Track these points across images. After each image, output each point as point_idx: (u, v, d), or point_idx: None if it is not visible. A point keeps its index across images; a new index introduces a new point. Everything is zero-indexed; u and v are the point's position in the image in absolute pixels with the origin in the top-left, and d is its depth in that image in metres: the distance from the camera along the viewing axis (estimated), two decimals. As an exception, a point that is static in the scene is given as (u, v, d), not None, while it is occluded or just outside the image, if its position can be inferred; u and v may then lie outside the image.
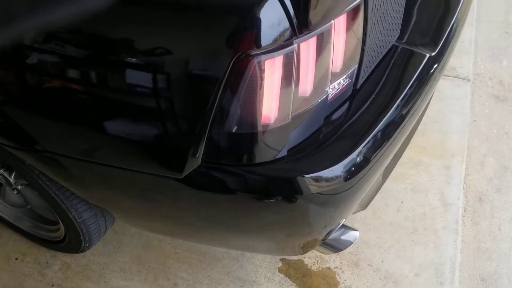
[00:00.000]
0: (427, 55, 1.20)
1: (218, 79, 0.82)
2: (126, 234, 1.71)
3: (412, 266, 1.57)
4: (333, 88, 1.00)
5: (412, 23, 1.27)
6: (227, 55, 0.80)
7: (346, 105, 1.07)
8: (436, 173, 1.82)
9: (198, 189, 1.01)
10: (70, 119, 0.97)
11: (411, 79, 1.14)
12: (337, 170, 0.98)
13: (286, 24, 0.81)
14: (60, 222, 1.40)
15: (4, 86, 0.99)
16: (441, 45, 1.25)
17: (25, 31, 0.90)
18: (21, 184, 1.47)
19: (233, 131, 0.89)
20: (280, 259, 1.61)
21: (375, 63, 1.13)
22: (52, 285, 1.58)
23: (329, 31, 0.89)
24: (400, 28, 1.21)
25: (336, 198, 1.04)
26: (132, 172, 1.01)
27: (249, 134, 0.90)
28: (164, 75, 0.85)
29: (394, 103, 1.08)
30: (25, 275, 1.61)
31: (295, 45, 0.83)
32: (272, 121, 0.90)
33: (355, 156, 1.00)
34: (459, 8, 1.37)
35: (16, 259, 1.66)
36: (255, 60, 0.81)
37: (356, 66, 1.04)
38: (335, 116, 1.04)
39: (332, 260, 1.60)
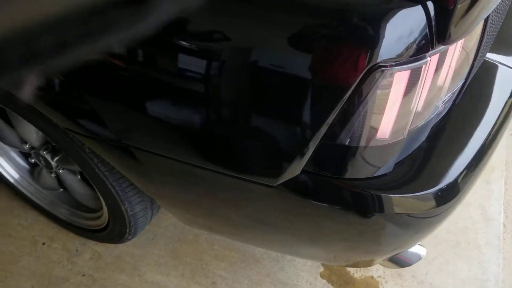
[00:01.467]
0: (516, 72, 1.16)
1: (345, 89, 0.75)
2: (160, 225, 1.63)
3: (456, 281, 1.55)
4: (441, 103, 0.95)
5: (501, 37, 1.22)
6: (360, 65, 0.74)
7: (446, 121, 1.01)
8: (478, 187, 1.79)
9: (285, 197, 0.95)
10: (159, 113, 0.89)
11: (506, 96, 1.09)
12: (434, 194, 0.93)
13: (426, 36, 0.75)
14: (107, 212, 1.31)
15: (86, 73, 0.90)
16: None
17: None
18: (63, 168, 1.37)
19: (346, 143, 0.83)
20: (321, 264, 1.57)
21: (471, 77, 1.08)
22: (83, 275, 1.50)
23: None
24: (492, 42, 1.16)
25: (420, 222, 0.99)
26: (219, 174, 0.94)
27: (361, 148, 0.84)
28: (287, 80, 0.77)
29: (492, 123, 1.03)
30: (53, 262, 1.52)
31: (428, 59, 0.77)
32: (387, 136, 0.84)
33: (453, 180, 0.94)
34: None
35: (43, 244, 1.57)
36: (387, 72, 0.75)
37: (463, 81, 0.98)
38: (435, 132, 0.99)
39: (375, 269, 1.56)
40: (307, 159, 0.85)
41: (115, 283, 1.49)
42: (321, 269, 1.56)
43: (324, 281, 1.53)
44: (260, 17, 0.76)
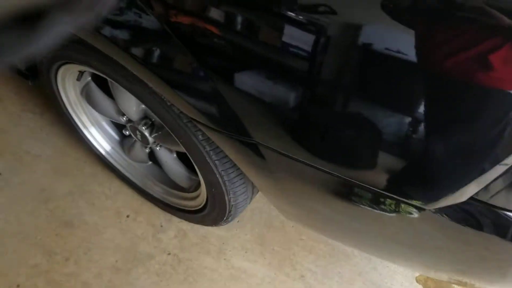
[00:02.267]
0: None
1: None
2: (246, 209, 1.55)
3: None
4: None
5: None
6: None
7: None
8: None
9: (433, 219, 0.83)
10: (301, 115, 0.77)
11: None
12: None
13: None
14: (205, 197, 1.23)
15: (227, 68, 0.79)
16: None
17: None
18: (160, 145, 1.29)
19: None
20: (417, 267, 1.46)
21: None
22: (168, 254, 1.45)
23: None
24: None
25: None
26: (356, 187, 0.82)
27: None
28: (476, 91, 0.64)
29: None
30: (138, 237, 1.48)
31: None
32: None
33: None
34: None
35: (128, 216, 1.52)
36: None
37: None
38: None
39: (476, 279, 1.44)
40: (483, 186, 0.72)
41: (201, 265, 1.43)
42: (417, 273, 1.45)
43: (420, 286, 1.43)
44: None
